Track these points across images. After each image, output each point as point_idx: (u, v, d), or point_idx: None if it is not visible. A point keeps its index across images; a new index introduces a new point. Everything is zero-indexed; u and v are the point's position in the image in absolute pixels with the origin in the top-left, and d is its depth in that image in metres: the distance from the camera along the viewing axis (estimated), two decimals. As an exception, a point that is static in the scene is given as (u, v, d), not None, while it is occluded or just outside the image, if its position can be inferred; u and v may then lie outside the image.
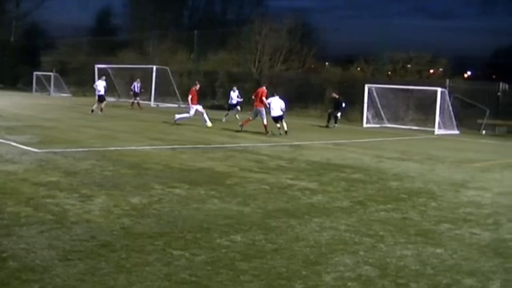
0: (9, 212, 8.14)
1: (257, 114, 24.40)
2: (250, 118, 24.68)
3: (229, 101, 33.02)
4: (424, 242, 7.83)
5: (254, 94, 25.20)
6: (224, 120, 29.89)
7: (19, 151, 14.55)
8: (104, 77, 34.37)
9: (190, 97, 26.18)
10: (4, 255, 6.23)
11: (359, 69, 45.80)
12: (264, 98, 24.36)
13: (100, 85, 32.97)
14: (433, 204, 10.74)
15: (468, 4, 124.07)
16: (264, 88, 25.01)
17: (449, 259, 7.13)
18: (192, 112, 25.96)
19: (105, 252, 6.56)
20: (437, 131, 32.31)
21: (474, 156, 20.19)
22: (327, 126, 31.04)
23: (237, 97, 32.48)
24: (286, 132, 23.78)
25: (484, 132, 34.47)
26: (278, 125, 24.28)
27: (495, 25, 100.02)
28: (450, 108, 34.20)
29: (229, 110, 32.34)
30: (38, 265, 5.97)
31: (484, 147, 24.99)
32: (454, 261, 7.06)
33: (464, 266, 6.88)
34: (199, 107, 26.06)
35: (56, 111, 32.94)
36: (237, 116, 31.18)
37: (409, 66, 43.40)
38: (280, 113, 24.34)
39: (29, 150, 14.74)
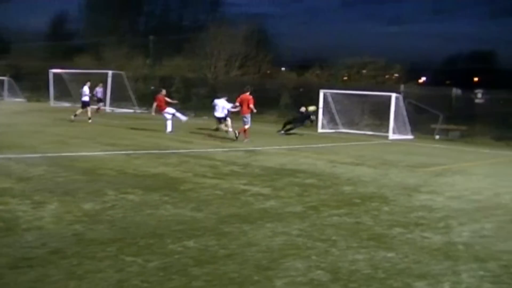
0: (-42, 219, 8.01)
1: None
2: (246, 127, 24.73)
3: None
4: (376, 246, 7.90)
5: (239, 101, 25.16)
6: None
7: (-30, 157, 14.32)
8: (89, 83, 33.00)
9: (155, 104, 26.20)
10: (-49, 263, 6.12)
11: (316, 73, 46.08)
12: (251, 105, 24.61)
13: (86, 91, 31.79)
14: (386, 208, 10.84)
15: (421, 11, 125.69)
16: (248, 94, 25.02)
17: (400, 262, 7.21)
18: (170, 116, 26.04)
19: (56, 259, 6.49)
20: (391, 136, 32.61)
21: (427, 161, 20.41)
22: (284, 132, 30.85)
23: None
24: (235, 132, 24.38)
25: (437, 137, 34.89)
26: (222, 125, 25.45)
27: (448, 31, 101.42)
28: (404, 113, 34.54)
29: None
30: (-13, 274, 5.88)
31: (437, 152, 25.30)
32: (405, 264, 7.14)
33: (415, 269, 6.96)
34: (171, 110, 26.00)
35: (9, 116, 32.43)
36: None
37: (364, 71, 43.81)
38: (223, 114, 25.47)
39: (-20, 157, 14.51)
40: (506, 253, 8.08)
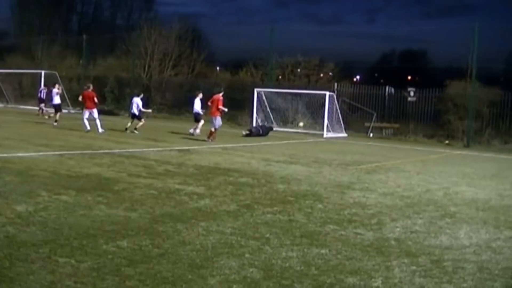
0: None
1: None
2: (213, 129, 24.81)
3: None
4: (309, 244, 7.91)
5: (210, 101, 25.12)
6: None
7: None
8: (57, 85, 32.10)
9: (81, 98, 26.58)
10: None
11: (250, 72, 46.09)
12: (220, 106, 24.97)
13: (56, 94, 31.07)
14: (319, 206, 10.88)
15: (354, 11, 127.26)
16: (220, 95, 24.95)
17: (333, 259, 7.23)
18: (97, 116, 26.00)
19: (-15, 262, 6.31)
20: (325, 134, 32.90)
21: (360, 158, 20.65)
22: None
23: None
24: (135, 130, 25.96)
25: (371, 134, 35.37)
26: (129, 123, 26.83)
27: (381, 31, 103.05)
28: (339, 111, 34.89)
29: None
30: None
31: (370, 150, 25.61)
32: (338, 261, 7.16)
33: (348, 265, 6.99)
34: (95, 113, 25.77)
35: None
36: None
37: (299, 70, 44.03)
38: (137, 112, 26.68)
39: None
40: (437, 248, 8.20)
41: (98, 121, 25.25)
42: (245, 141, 25.56)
